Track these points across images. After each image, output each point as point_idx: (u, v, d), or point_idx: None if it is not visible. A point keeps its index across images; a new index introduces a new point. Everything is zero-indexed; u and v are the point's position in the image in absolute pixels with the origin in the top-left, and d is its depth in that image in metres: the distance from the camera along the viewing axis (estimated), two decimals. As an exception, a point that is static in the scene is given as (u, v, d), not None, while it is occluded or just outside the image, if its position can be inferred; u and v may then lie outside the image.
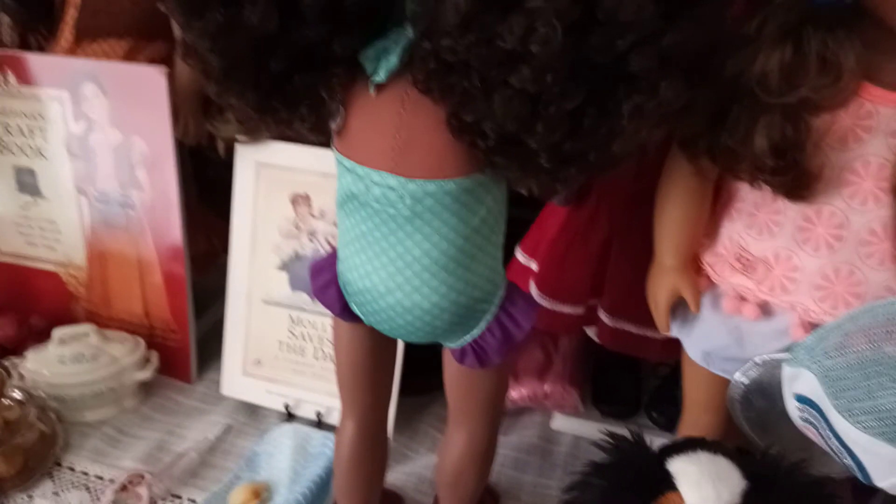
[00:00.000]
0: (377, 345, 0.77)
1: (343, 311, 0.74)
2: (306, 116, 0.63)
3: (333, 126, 0.65)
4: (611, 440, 0.69)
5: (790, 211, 0.67)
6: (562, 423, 1.09)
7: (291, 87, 0.61)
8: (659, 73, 0.50)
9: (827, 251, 0.66)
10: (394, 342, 0.79)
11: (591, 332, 0.99)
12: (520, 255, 1.01)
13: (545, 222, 0.97)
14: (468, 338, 0.71)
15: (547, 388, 1.05)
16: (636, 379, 1.12)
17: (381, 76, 0.59)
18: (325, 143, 0.68)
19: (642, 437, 0.68)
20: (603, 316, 0.92)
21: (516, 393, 1.07)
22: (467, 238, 0.65)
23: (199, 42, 0.56)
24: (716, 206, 0.74)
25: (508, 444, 1.07)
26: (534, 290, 0.95)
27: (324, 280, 0.75)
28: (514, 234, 1.01)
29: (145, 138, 1.06)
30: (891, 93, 0.61)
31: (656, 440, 0.69)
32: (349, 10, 0.55)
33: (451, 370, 0.76)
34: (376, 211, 0.65)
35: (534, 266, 0.97)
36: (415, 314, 0.68)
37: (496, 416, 0.80)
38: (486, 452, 0.82)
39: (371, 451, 0.84)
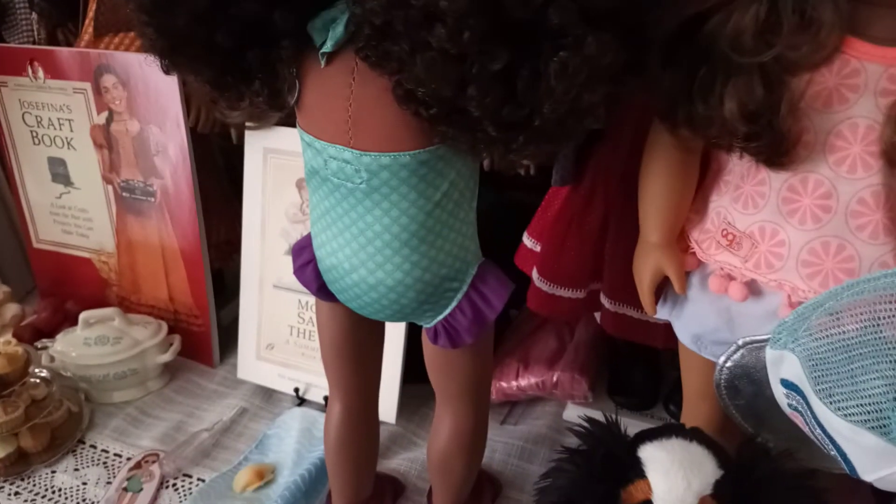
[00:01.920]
0: (357, 324, 0.76)
1: (320, 289, 0.74)
2: (261, 91, 0.63)
3: (290, 100, 0.64)
4: (587, 426, 0.66)
5: (774, 181, 0.62)
6: (574, 413, 1.05)
7: (244, 62, 0.61)
8: (581, 28, 0.47)
9: (814, 224, 0.60)
10: (377, 322, 0.78)
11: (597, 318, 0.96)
12: (527, 240, 0.98)
13: (549, 206, 0.94)
14: (439, 317, 0.70)
15: (556, 376, 1.02)
16: (654, 370, 1.07)
17: (328, 46, 0.59)
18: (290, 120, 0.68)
19: (616, 423, 0.65)
20: (604, 300, 0.88)
21: (525, 381, 1.04)
22: (429, 213, 0.64)
23: (138, 16, 0.57)
24: (704, 179, 0.70)
25: (517, 433, 1.04)
26: (535, 274, 0.92)
27: (303, 259, 0.75)
28: (524, 220, 0.99)
29: (161, 127, 1.09)
30: (878, 47, 0.56)
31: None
32: None
33: (429, 351, 0.75)
34: (336, 186, 0.64)
35: (539, 250, 0.95)
36: (379, 291, 0.67)
37: (480, 398, 0.78)
38: (472, 436, 0.80)
39: (358, 432, 0.83)
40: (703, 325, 0.71)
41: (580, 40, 0.47)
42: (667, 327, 0.84)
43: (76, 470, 1.03)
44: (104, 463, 1.04)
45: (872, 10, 0.55)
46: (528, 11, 0.46)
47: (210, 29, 0.57)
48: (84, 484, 1.00)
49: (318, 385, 1.08)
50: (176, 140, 1.08)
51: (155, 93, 1.07)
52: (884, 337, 0.55)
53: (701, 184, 0.70)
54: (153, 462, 1.02)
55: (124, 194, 1.17)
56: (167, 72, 0.62)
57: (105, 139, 1.15)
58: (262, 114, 0.97)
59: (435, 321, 0.70)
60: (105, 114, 1.13)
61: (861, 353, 0.55)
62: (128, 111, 1.10)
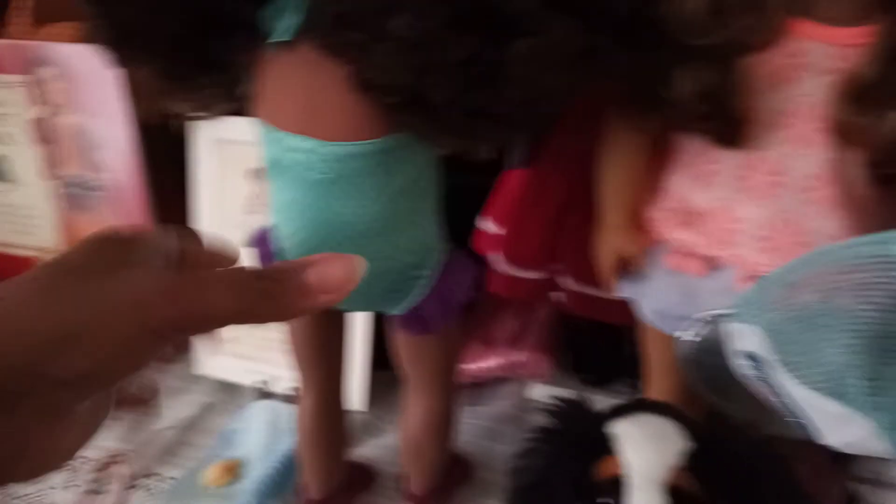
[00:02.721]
0: (325, 318, 0.76)
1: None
2: (216, 81, 0.61)
3: (247, 90, 0.63)
4: (557, 404, 0.67)
5: (728, 160, 0.63)
6: (537, 391, 1.07)
7: (197, 52, 0.59)
8: (543, 14, 0.47)
9: (767, 200, 0.62)
10: (340, 314, 0.77)
11: (560, 298, 0.97)
12: (485, 224, 0.98)
13: (504, 189, 0.94)
14: (407, 305, 0.70)
15: (520, 356, 1.03)
16: (616, 345, 1.09)
17: (283, 35, 0.57)
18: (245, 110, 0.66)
19: (586, 401, 0.66)
20: (564, 280, 0.90)
21: (489, 363, 1.05)
22: (393, 200, 0.63)
23: (86, 6, 0.54)
24: (661, 159, 0.71)
25: (483, 414, 1.05)
26: (496, 257, 0.92)
27: (263, 252, 0.74)
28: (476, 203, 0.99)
29: (105, 119, 1.05)
30: (824, 27, 0.57)
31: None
32: None
33: (399, 339, 0.75)
34: (298, 176, 0.63)
35: (497, 232, 0.95)
36: (346, 283, 0.66)
37: (450, 383, 0.79)
38: (443, 420, 0.80)
39: (332, 421, 0.83)
40: (663, 301, 0.72)
41: (542, 27, 0.47)
42: (627, 305, 0.86)
43: (37, 475, 1.00)
44: (67, 465, 1.02)
45: None
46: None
47: (163, 18, 0.56)
48: (52, 488, 0.98)
49: (282, 377, 1.07)
50: (120, 132, 1.05)
51: (97, 85, 1.03)
52: (840, 307, 0.57)
53: (657, 163, 0.71)
54: (120, 462, 1.00)
55: (69, 190, 1.13)
56: (117, 65, 0.60)
57: (46, 134, 1.10)
58: (212, 103, 0.95)
59: (402, 308, 0.70)
60: (44, 107, 1.08)
61: (820, 324, 0.58)
62: (69, 104, 1.06)
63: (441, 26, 0.47)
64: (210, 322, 0.28)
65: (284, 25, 0.57)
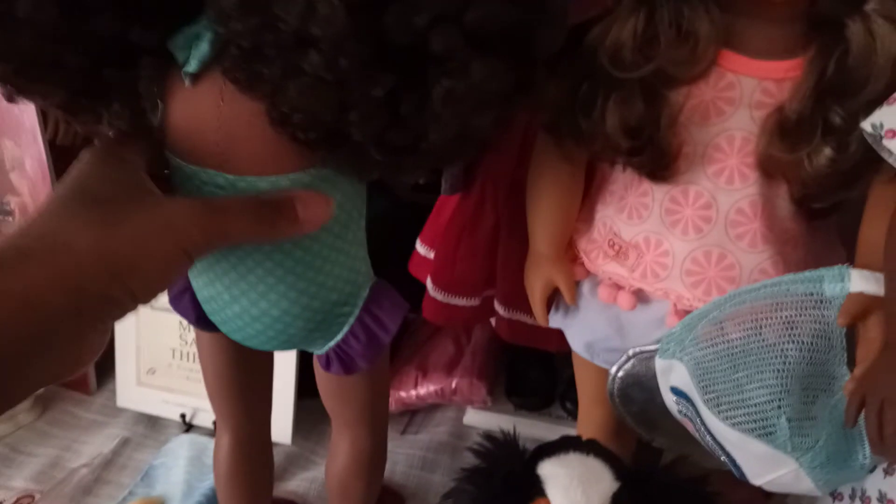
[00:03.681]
0: (242, 353, 0.72)
1: (199, 320, 0.69)
2: (121, 113, 0.57)
3: (155, 121, 0.59)
4: (485, 444, 0.65)
5: (657, 193, 0.62)
6: (474, 418, 1.05)
7: (99, 83, 0.55)
8: (467, 53, 0.45)
9: (696, 234, 0.62)
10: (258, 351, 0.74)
11: (495, 324, 0.95)
12: (420, 248, 0.96)
13: (440, 212, 0.92)
14: (331, 343, 0.67)
15: (455, 382, 1.02)
16: (549, 370, 1.08)
17: (192, 66, 0.54)
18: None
19: (515, 440, 0.64)
20: (498, 307, 0.88)
21: (424, 389, 1.03)
22: (314, 238, 0.60)
23: None
24: (590, 189, 0.70)
25: (418, 443, 1.03)
26: (429, 283, 0.90)
27: (178, 287, 0.70)
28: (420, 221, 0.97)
29: (16, 140, 0.99)
30: (752, 60, 0.57)
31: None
32: None
33: (322, 378, 0.72)
34: (212, 212, 0.60)
35: (432, 257, 0.93)
36: (264, 322, 0.63)
37: (378, 422, 0.76)
38: (371, 461, 0.77)
39: (251, 461, 0.79)
40: (594, 333, 0.71)
41: (466, 66, 0.45)
42: (560, 332, 0.85)
43: (-60, 520, 0.94)
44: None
45: (747, 23, 0.57)
46: (409, 36, 0.44)
47: (60, 48, 0.51)
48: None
49: (206, 409, 1.02)
50: (33, 154, 0.99)
51: (6, 104, 0.97)
52: (766, 345, 0.56)
53: (587, 194, 0.70)
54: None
55: (-23, 214, 1.07)
56: (10, 98, 0.55)
57: (-50, 154, 1.04)
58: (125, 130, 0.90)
59: (326, 347, 0.67)
60: (-52, 127, 1.02)
61: (745, 362, 0.57)
62: (-24, 124, 1.00)
63: (360, 64, 0.44)
64: (228, 241, 0.39)
65: (193, 56, 0.53)
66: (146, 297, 0.35)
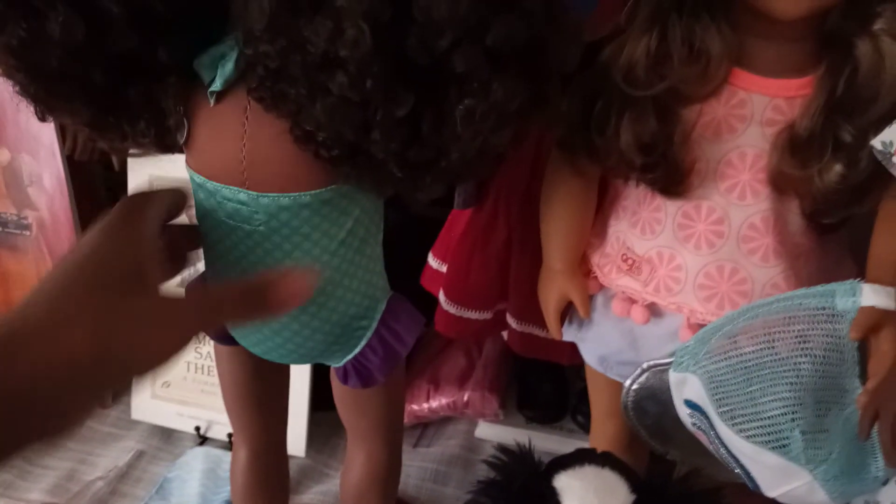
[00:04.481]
0: (261, 367, 0.73)
1: (219, 334, 0.70)
2: (147, 131, 0.59)
3: (180, 139, 0.61)
4: (501, 457, 0.66)
5: (670, 208, 0.63)
6: (486, 431, 1.06)
7: (126, 101, 0.57)
8: (488, 72, 0.46)
9: (708, 249, 0.62)
10: (277, 363, 0.75)
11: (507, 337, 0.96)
12: (432, 261, 0.97)
13: (452, 226, 0.93)
14: (349, 356, 0.68)
15: (466, 395, 1.02)
16: (561, 383, 1.09)
17: (217, 85, 0.55)
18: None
19: (530, 453, 0.65)
20: (510, 321, 0.89)
21: (436, 402, 1.03)
22: (334, 253, 0.62)
23: (4, 60, 0.51)
24: (603, 204, 0.71)
25: (430, 456, 1.03)
26: (442, 296, 0.91)
27: (199, 301, 0.71)
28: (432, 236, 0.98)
29: (34, 156, 1.01)
30: (763, 78, 0.58)
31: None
32: (167, 15, 0.51)
33: (339, 390, 0.73)
34: (232, 228, 0.61)
35: (445, 271, 0.94)
36: (284, 336, 0.64)
37: (393, 435, 0.77)
38: (387, 473, 0.78)
39: (267, 475, 0.80)
40: (607, 346, 0.72)
41: (486, 86, 0.46)
42: (572, 345, 0.86)
43: (-43, 534, 0.94)
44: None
45: (757, 42, 0.58)
46: (432, 57, 0.45)
47: (87, 67, 0.53)
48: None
49: (220, 422, 1.04)
50: (51, 169, 1.01)
51: (26, 119, 0.99)
52: (779, 359, 0.57)
53: (600, 209, 0.71)
54: (43, 518, 0.95)
55: (-4, 228, 1.08)
56: (42, 117, 0.57)
57: (-30, 170, 1.05)
58: (146, 146, 0.92)
59: (344, 360, 0.68)
60: (-31, 143, 1.03)
61: (759, 376, 0.58)
62: (-4, 139, 1.02)
63: (384, 85, 0.46)
64: (221, 324, 0.49)
65: (219, 75, 0.55)
66: (141, 380, 0.39)
